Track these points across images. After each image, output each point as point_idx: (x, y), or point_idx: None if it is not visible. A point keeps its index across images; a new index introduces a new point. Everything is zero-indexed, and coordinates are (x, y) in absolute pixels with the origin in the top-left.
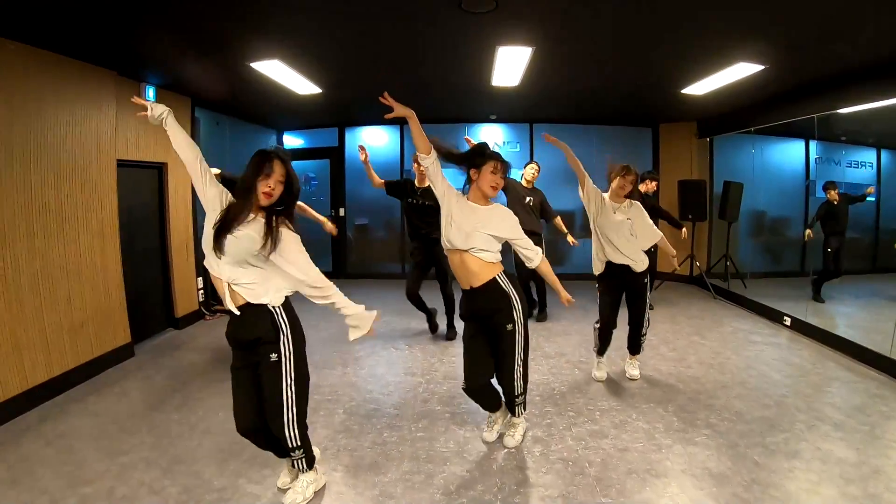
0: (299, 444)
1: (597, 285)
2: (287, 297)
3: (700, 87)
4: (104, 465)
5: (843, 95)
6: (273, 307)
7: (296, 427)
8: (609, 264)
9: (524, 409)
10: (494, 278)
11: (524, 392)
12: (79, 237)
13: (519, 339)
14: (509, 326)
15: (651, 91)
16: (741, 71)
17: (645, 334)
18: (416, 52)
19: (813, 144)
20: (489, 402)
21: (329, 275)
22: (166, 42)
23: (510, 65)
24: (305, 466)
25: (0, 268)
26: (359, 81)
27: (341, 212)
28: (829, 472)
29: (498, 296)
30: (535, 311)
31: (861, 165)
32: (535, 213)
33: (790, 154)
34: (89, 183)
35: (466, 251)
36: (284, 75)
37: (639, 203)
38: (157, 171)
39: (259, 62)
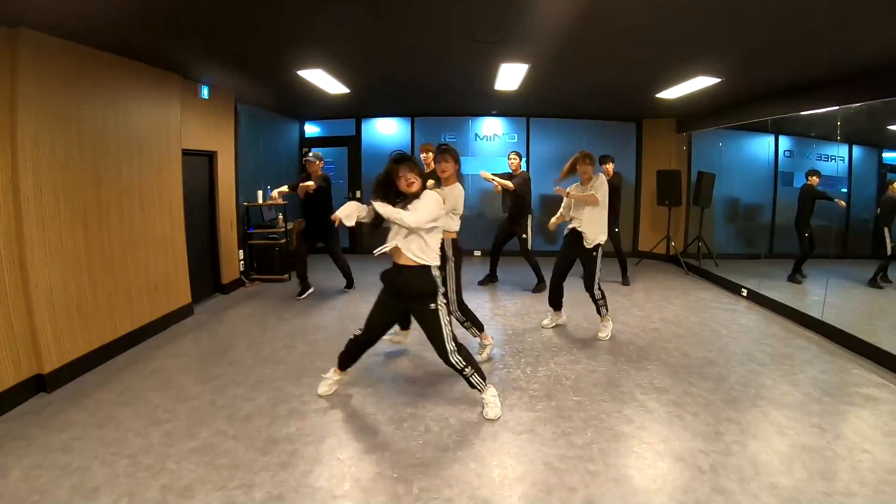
0: (465, 364)
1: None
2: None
3: (671, 94)
4: (200, 387)
5: (791, 103)
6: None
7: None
8: (570, 231)
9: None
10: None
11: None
12: (155, 214)
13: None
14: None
15: (632, 95)
16: (702, 82)
17: (599, 300)
18: (431, 65)
19: (782, 139)
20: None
21: (346, 250)
22: (225, 54)
23: (510, 76)
24: (481, 381)
25: (99, 239)
26: (382, 84)
27: (357, 194)
28: (746, 392)
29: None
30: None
31: (832, 159)
32: (521, 197)
33: (761, 148)
34: (163, 169)
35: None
36: (323, 80)
37: (603, 177)
38: (209, 159)
39: (305, 70)
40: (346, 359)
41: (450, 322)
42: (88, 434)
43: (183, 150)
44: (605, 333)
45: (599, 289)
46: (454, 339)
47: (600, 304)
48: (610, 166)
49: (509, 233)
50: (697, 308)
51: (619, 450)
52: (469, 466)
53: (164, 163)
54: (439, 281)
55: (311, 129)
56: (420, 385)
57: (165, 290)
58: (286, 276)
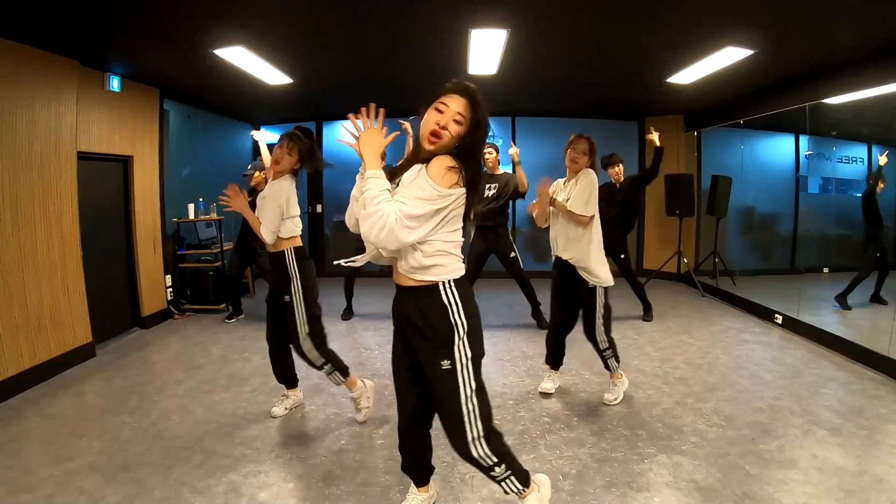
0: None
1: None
2: None
3: (686, 76)
4: (49, 470)
5: (834, 83)
6: None
7: None
8: (556, 259)
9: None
10: None
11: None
12: (35, 231)
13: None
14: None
15: (635, 81)
16: (729, 56)
17: (607, 350)
18: (386, 38)
19: (803, 139)
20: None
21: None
22: (128, 28)
23: (486, 49)
24: (519, 484)
25: None
26: (330, 72)
27: (318, 208)
28: (826, 482)
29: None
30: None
31: (852, 161)
32: (497, 201)
33: (779, 149)
34: (47, 175)
35: None
36: (251, 63)
37: (591, 171)
38: (123, 165)
39: (222, 49)
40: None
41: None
42: None
43: (81, 153)
44: (614, 396)
45: (606, 335)
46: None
47: (607, 357)
48: (618, 169)
49: (487, 251)
50: (726, 342)
51: None
52: None
53: (51, 168)
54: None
55: (268, 136)
56: (339, 489)
57: (53, 327)
58: (223, 305)
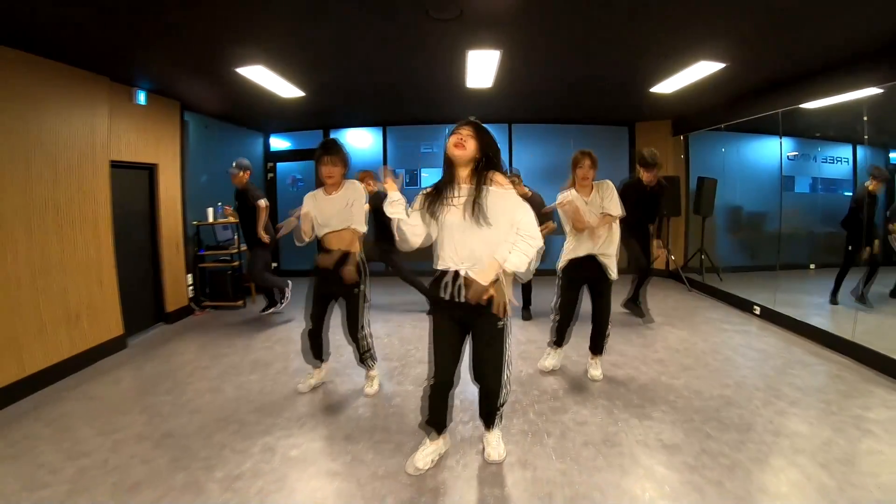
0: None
1: (558, 279)
2: None
3: (667, 86)
4: (99, 440)
5: (804, 90)
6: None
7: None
8: (576, 259)
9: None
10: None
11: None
12: (75, 233)
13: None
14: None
15: (622, 90)
16: (703, 69)
17: (608, 335)
18: (389, 56)
19: (786, 141)
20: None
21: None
22: (157, 50)
23: (481, 67)
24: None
25: (0, 263)
26: (339, 85)
27: None
28: (779, 444)
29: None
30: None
31: (837, 161)
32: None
33: (764, 150)
34: (85, 182)
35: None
36: (269, 79)
37: (608, 181)
38: (149, 172)
39: (244, 67)
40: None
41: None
42: None
43: (113, 162)
44: (598, 371)
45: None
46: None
47: (608, 338)
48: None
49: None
50: (706, 331)
51: None
52: None
53: (88, 176)
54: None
55: (279, 143)
56: (361, 444)
57: (90, 320)
58: (241, 302)
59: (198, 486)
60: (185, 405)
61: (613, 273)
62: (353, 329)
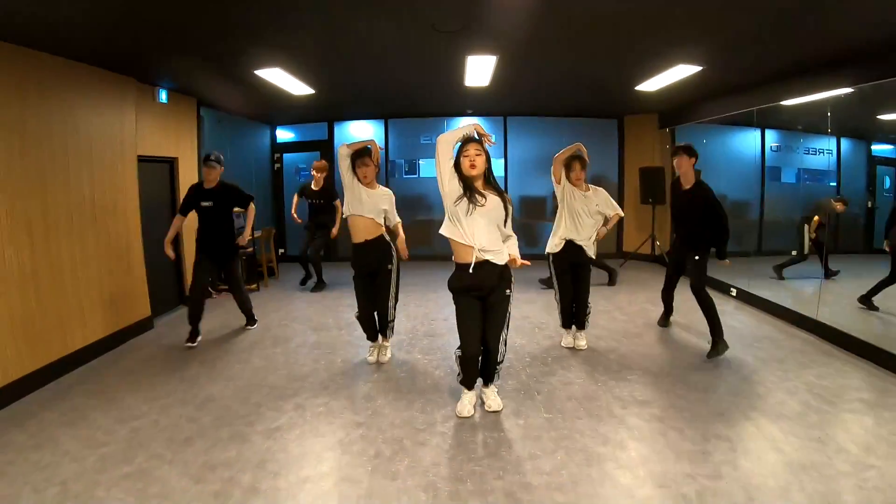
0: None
1: (551, 265)
2: None
3: (650, 85)
4: (146, 406)
5: (778, 90)
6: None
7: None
8: (567, 243)
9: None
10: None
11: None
12: (109, 224)
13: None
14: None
15: (610, 88)
16: (682, 71)
17: (589, 312)
18: (395, 60)
19: (769, 133)
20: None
21: (323, 259)
22: (183, 55)
23: (479, 69)
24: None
25: (46, 251)
26: (347, 84)
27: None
28: (737, 402)
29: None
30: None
31: (819, 153)
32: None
33: (747, 142)
34: (116, 177)
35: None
36: (283, 80)
37: (602, 189)
38: (169, 165)
39: (263, 70)
40: (474, 377)
41: None
42: (24, 458)
43: (139, 156)
44: (584, 342)
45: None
46: None
47: (590, 313)
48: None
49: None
50: (684, 310)
51: (593, 476)
52: (418, 498)
53: (118, 170)
54: None
55: (285, 135)
56: (378, 401)
57: (122, 303)
58: (254, 285)
59: (242, 437)
60: (219, 374)
61: (591, 252)
62: (385, 301)
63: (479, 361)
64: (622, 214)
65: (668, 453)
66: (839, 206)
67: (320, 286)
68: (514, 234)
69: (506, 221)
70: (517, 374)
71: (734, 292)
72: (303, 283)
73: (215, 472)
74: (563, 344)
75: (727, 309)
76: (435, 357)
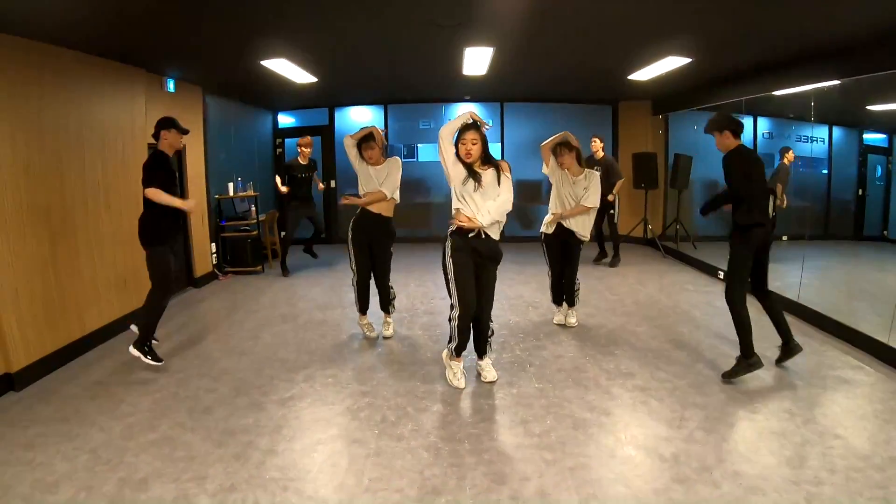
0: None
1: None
2: None
3: (643, 75)
4: (165, 380)
5: (766, 81)
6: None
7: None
8: (559, 226)
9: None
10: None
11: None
12: (122, 210)
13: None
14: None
15: (604, 77)
16: (672, 63)
17: (578, 289)
18: (397, 51)
19: (761, 120)
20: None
21: (324, 241)
22: (195, 46)
23: (477, 60)
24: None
25: (64, 237)
26: (349, 71)
27: (332, 183)
28: (715, 377)
29: None
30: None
31: (812, 140)
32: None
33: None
34: (128, 165)
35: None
36: (288, 69)
37: (596, 173)
38: (177, 153)
39: (268, 60)
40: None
41: None
42: (53, 430)
43: (149, 144)
44: (574, 319)
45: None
46: None
47: (578, 291)
48: (789, 154)
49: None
50: (672, 291)
51: (578, 438)
52: (421, 456)
53: (130, 158)
54: None
55: (286, 120)
56: (382, 373)
57: (134, 285)
58: (259, 267)
59: (258, 405)
60: (232, 349)
61: (583, 235)
62: (385, 275)
63: (471, 327)
64: (589, 207)
65: (647, 420)
66: (790, 156)
67: (284, 272)
68: (507, 201)
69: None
70: (511, 348)
71: (721, 275)
72: (313, 255)
73: (235, 437)
74: (554, 321)
75: (714, 290)
76: (434, 333)
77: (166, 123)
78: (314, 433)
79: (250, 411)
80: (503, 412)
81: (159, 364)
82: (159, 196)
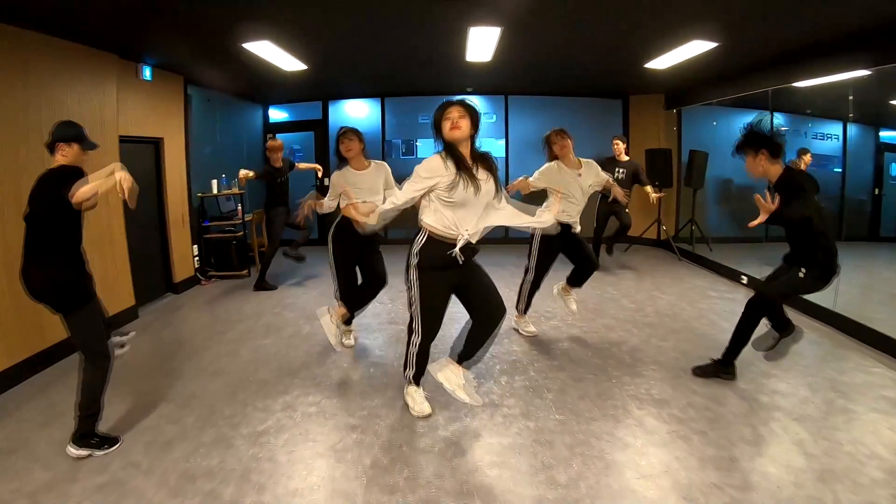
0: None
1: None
2: None
3: (661, 62)
4: (126, 404)
5: (794, 71)
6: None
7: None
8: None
9: None
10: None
11: None
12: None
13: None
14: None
15: (617, 65)
16: (696, 48)
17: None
18: (393, 32)
19: (777, 116)
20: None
21: (316, 241)
22: (166, 27)
23: (482, 42)
24: None
25: (20, 237)
26: (342, 58)
27: (326, 182)
28: (759, 400)
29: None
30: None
31: (827, 138)
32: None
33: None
34: (95, 158)
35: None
36: (273, 54)
37: (592, 161)
38: (154, 146)
39: (251, 43)
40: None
41: None
42: None
43: (121, 136)
44: (575, 305)
45: None
46: None
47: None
48: (807, 157)
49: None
50: (693, 297)
51: (612, 486)
52: None
53: (98, 152)
54: None
55: (278, 115)
56: (374, 400)
57: (103, 292)
58: (245, 271)
59: (226, 441)
60: (205, 368)
61: (577, 227)
62: (383, 283)
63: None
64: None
65: (691, 461)
66: (807, 158)
67: (264, 285)
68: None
69: (497, 192)
70: (524, 369)
71: (745, 280)
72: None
73: (195, 483)
74: (522, 331)
75: (738, 297)
76: (434, 351)
77: (67, 135)
78: (290, 481)
79: (216, 449)
80: (520, 453)
81: (117, 446)
82: (85, 190)
